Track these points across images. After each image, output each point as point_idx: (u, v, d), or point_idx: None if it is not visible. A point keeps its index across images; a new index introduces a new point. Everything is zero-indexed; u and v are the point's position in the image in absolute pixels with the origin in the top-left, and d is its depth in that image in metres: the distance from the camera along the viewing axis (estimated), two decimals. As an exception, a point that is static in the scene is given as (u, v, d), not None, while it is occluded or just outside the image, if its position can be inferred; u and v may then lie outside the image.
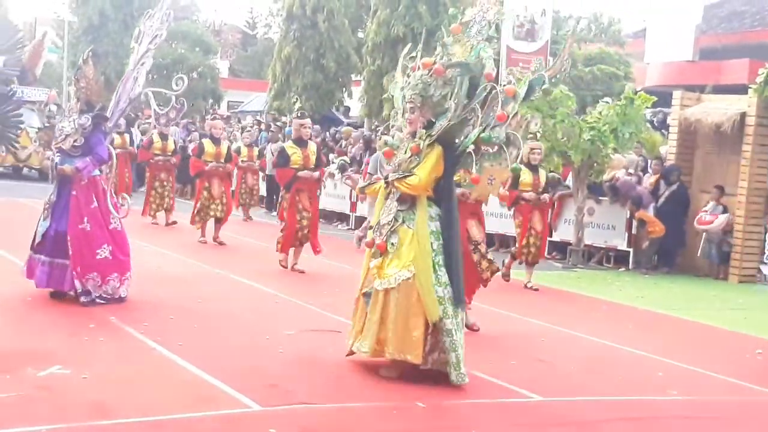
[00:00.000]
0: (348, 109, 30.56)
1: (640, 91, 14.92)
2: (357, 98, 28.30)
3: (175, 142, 17.09)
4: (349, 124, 25.61)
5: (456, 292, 6.24)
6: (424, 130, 6.29)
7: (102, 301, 8.11)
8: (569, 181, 15.17)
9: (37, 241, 8.25)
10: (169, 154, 16.10)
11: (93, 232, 8.14)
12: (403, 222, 6.27)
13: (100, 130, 8.33)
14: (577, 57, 28.43)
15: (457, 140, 6.30)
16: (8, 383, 5.49)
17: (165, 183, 15.89)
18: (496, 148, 6.26)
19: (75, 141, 8.17)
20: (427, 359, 6.18)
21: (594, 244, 14.97)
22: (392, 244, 6.25)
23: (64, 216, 8.13)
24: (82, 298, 8.05)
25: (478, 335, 8.28)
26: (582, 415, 6.10)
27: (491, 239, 16.43)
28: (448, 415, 5.76)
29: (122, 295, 8.29)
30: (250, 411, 5.40)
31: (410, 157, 6.30)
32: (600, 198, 14.87)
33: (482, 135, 6.11)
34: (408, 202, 6.29)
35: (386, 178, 6.45)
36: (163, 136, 16.08)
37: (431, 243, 6.23)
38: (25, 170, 25.22)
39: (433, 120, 6.30)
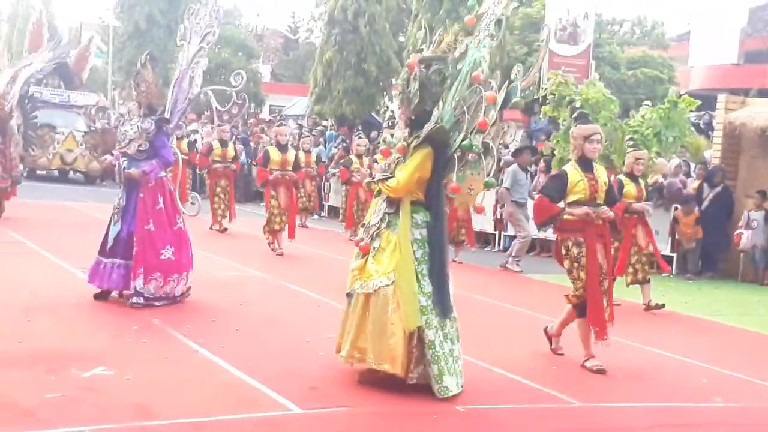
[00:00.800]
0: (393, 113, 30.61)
1: (684, 94, 14.78)
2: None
3: (235, 149, 16.55)
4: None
5: (441, 302, 5.93)
6: (408, 130, 6.09)
7: (158, 303, 8.21)
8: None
9: (109, 245, 8.37)
10: (229, 160, 15.74)
11: (157, 233, 8.27)
12: (389, 226, 6.01)
13: (163, 133, 8.48)
14: (620, 60, 28.26)
15: (451, 141, 5.96)
16: (53, 384, 5.57)
17: (226, 190, 15.53)
18: (476, 156, 5.90)
19: (140, 145, 8.31)
20: (413, 372, 5.87)
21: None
22: (374, 247, 6.02)
23: (134, 219, 8.27)
24: (134, 299, 8.15)
25: (518, 340, 8.26)
26: (624, 422, 6.04)
27: (532, 244, 16.36)
28: (488, 420, 5.74)
29: (176, 294, 8.42)
30: (290, 413, 5.42)
31: (398, 157, 6.11)
32: (643, 202, 14.71)
33: (464, 142, 5.80)
34: (395, 204, 6.04)
35: (373, 177, 6.28)
36: (223, 143, 15.65)
37: (415, 251, 5.95)
38: (72, 173, 25.60)
39: (413, 117, 6.06)
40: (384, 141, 6.62)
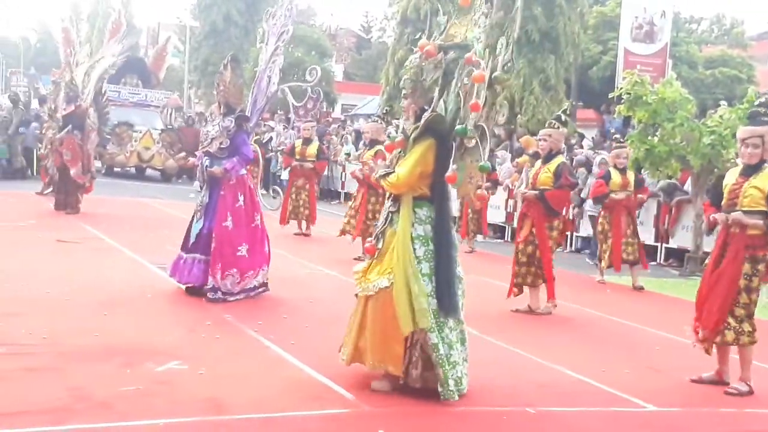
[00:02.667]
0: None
1: (764, 94, 14.43)
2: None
3: (320, 147, 15.57)
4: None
5: (444, 302, 5.64)
6: (412, 121, 5.77)
7: (233, 298, 8.38)
8: (688, 187, 14.78)
9: (191, 241, 8.58)
10: (309, 159, 15.01)
11: (235, 230, 8.47)
12: (392, 224, 5.76)
13: (243, 131, 8.66)
14: (698, 59, 27.74)
15: (452, 130, 5.63)
16: (129, 377, 5.69)
17: (301, 190, 14.95)
18: (473, 142, 5.56)
19: (221, 143, 8.51)
20: (416, 376, 5.68)
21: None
22: (379, 248, 5.79)
23: (215, 215, 8.47)
24: (210, 294, 8.33)
25: (590, 342, 8.16)
26: (697, 427, 5.94)
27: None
28: (559, 422, 5.68)
29: (253, 285, 8.59)
30: (359, 410, 5.45)
31: (399, 152, 5.82)
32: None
33: (457, 128, 5.51)
34: (398, 201, 5.76)
35: (376, 175, 5.90)
36: (305, 141, 15.09)
37: (415, 249, 5.64)
38: (149, 171, 26.11)
39: (426, 108, 5.71)
40: (389, 136, 6.33)
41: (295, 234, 14.97)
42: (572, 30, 23.70)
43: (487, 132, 5.61)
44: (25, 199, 16.74)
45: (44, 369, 5.74)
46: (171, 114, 24.72)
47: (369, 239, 6.01)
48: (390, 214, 5.82)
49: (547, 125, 9.61)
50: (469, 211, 14.53)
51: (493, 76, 5.46)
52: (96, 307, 7.71)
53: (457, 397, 5.63)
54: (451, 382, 5.62)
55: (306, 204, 14.97)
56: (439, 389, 5.61)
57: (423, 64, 5.74)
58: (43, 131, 17.03)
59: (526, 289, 9.38)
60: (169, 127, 25.42)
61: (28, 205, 15.87)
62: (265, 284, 8.77)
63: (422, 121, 5.65)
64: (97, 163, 20.11)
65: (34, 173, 21.13)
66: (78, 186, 15.06)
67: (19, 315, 7.15)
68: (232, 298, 8.38)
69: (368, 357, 5.73)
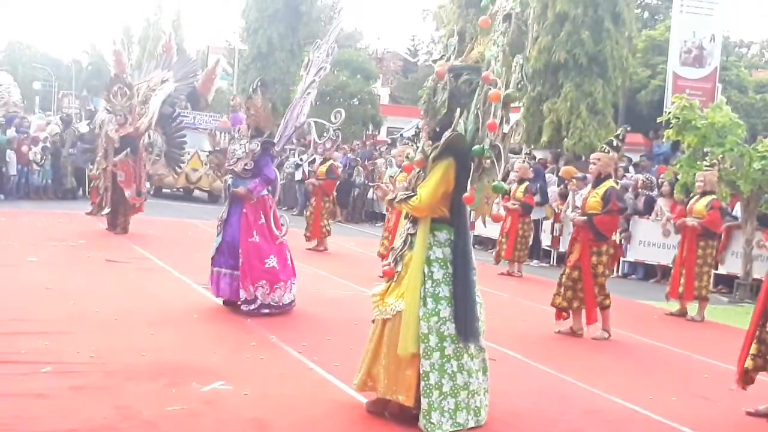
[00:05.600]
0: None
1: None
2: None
3: (331, 167, 15.88)
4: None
5: (464, 327, 5.45)
6: (430, 141, 5.67)
7: (266, 311, 8.59)
8: (737, 212, 14.58)
9: (212, 254, 8.92)
10: (321, 178, 15.73)
11: (262, 243, 8.72)
12: (411, 247, 5.61)
13: (268, 154, 8.92)
14: (748, 83, 27.45)
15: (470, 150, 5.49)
16: (174, 397, 5.72)
17: (313, 207, 15.59)
18: (489, 162, 5.44)
19: (246, 165, 8.75)
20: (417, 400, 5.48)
21: (763, 279, 14.26)
22: (397, 272, 5.66)
23: (235, 230, 8.76)
24: (244, 307, 8.58)
25: (637, 369, 8.06)
26: (748, 458, 5.83)
27: (652, 270, 16.02)
28: (605, 449, 5.62)
29: (285, 302, 8.77)
30: (405, 434, 5.42)
31: (418, 172, 5.69)
32: (770, 230, 14.21)
33: (474, 148, 5.37)
34: (417, 223, 5.63)
35: (393, 198, 5.82)
36: (324, 161, 15.85)
37: (433, 272, 5.50)
38: (196, 192, 26.37)
39: (437, 129, 5.62)
40: (407, 157, 6.12)
41: (307, 249, 15.23)
42: (620, 54, 23.57)
43: (503, 152, 5.48)
44: (75, 219, 16.98)
45: (91, 387, 5.80)
46: (222, 137, 24.80)
47: (385, 263, 5.86)
48: (409, 237, 5.66)
49: (599, 150, 9.58)
50: (517, 234, 14.49)
51: (504, 94, 5.37)
52: (143, 326, 7.79)
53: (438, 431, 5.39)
54: (435, 415, 5.38)
55: (313, 220, 15.50)
56: (420, 419, 5.41)
57: (436, 85, 5.68)
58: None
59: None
60: (216, 149, 25.63)
61: (78, 225, 16.09)
62: (293, 301, 8.98)
63: (442, 140, 5.51)
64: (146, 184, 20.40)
65: (87, 194, 21.43)
66: (130, 207, 15.25)
67: (68, 333, 7.25)
68: (265, 310, 8.58)
69: (381, 384, 5.58)
